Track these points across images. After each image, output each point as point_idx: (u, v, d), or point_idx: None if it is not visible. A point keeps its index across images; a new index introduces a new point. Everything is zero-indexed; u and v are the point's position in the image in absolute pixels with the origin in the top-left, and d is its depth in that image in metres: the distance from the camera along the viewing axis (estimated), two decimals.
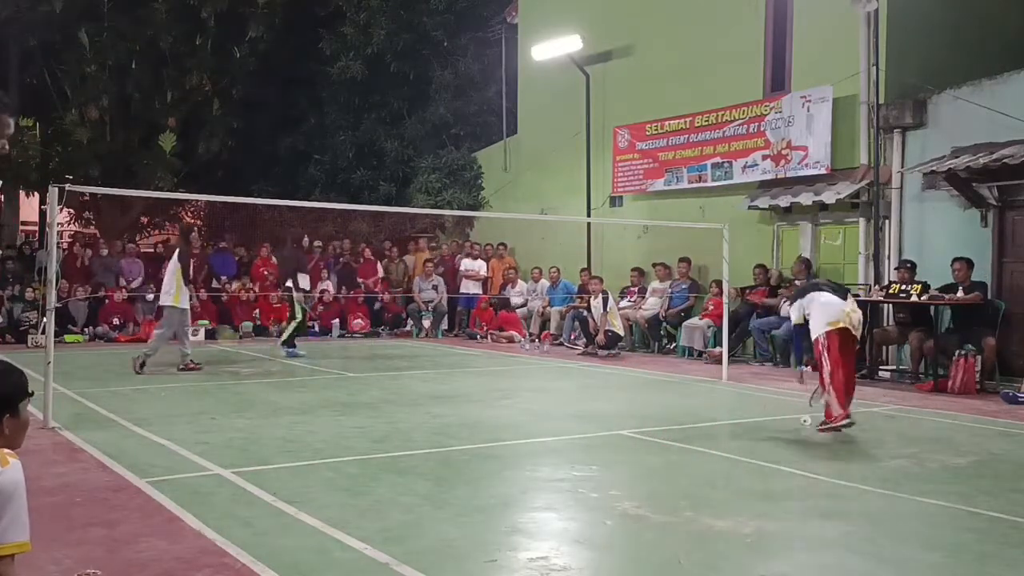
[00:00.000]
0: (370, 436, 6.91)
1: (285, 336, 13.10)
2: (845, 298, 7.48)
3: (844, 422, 7.02)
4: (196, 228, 17.10)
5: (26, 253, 17.08)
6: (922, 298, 10.37)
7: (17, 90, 19.41)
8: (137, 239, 20.18)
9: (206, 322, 15.66)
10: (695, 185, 14.56)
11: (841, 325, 7.16)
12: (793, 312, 7.62)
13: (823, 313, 7.25)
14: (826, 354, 7.11)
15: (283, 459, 6.03)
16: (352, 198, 20.15)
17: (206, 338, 15.06)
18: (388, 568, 3.84)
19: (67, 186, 7.83)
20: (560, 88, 17.38)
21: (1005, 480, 5.77)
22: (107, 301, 15.68)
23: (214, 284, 16.31)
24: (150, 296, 16.09)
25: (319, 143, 22.13)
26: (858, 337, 7.63)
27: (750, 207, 13.47)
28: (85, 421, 7.37)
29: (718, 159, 14.19)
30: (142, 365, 10.58)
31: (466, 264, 17.41)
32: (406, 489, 5.22)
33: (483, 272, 17.35)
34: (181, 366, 10.80)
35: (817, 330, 7.26)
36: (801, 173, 12.89)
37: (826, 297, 7.38)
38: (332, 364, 12.32)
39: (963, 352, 9.99)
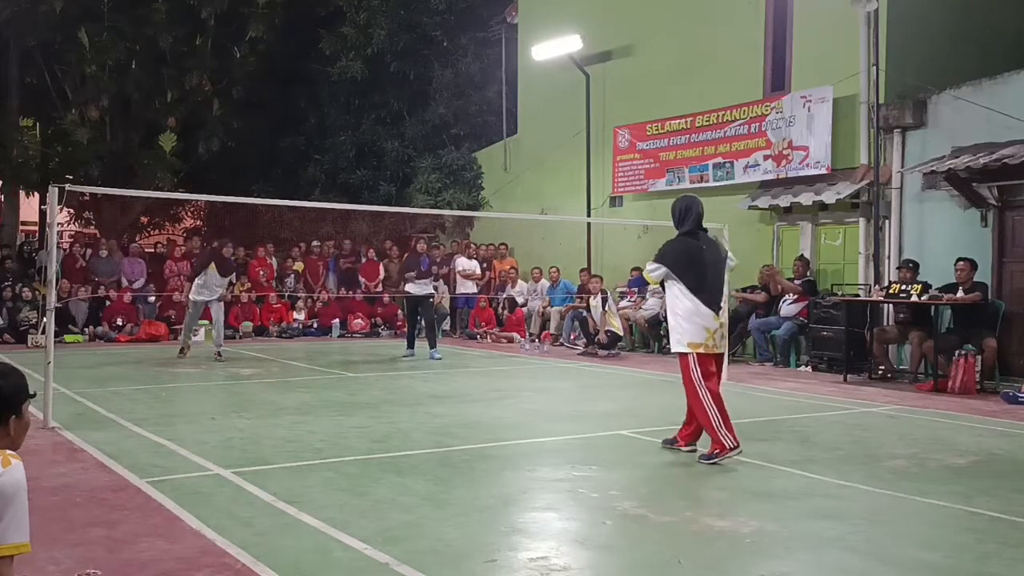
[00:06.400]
0: (370, 436, 6.91)
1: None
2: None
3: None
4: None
5: (25, 255, 17.08)
6: (922, 298, 10.37)
7: (17, 90, 19.44)
8: (138, 239, 20.17)
9: (206, 322, 15.63)
10: (696, 185, 14.54)
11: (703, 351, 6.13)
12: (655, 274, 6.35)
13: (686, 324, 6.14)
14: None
15: (283, 459, 6.03)
16: (352, 198, 20.12)
17: (205, 338, 15.05)
18: (388, 568, 3.84)
19: (67, 186, 7.83)
20: (560, 88, 17.37)
21: (1005, 480, 5.76)
22: (109, 301, 15.68)
23: None
24: (152, 297, 16.11)
25: (319, 143, 22.11)
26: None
27: (750, 207, 13.46)
28: (85, 421, 7.37)
29: (719, 159, 14.19)
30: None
31: (462, 263, 17.36)
32: (406, 489, 5.21)
33: (478, 271, 17.34)
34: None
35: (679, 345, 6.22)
36: (801, 173, 12.90)
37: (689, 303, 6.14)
38: (332, 364, 12.33)
39: (963, 352, 9.99)
